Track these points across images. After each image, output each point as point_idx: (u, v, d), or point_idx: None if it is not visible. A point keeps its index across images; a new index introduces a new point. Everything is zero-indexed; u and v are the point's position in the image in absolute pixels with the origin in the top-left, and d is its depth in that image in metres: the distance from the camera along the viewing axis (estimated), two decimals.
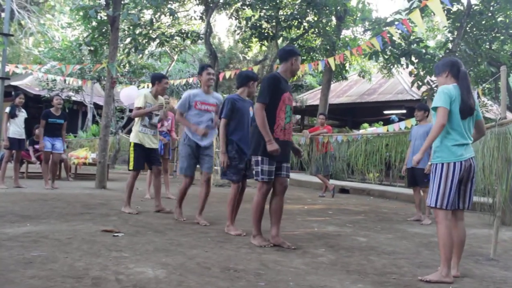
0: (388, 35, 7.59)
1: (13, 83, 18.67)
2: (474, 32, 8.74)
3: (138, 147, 5.73)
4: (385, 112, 17.42)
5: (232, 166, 4.62)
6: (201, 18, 14.62)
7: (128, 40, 13.34)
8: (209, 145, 5.25)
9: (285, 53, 4.19)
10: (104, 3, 9.20)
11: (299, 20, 12.72)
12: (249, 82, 4.77)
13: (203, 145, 5.16)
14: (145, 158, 5.82)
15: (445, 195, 3.25)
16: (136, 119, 5.81)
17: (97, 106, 18.67)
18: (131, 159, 5.73)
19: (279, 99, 4.03)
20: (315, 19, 13.17)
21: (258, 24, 12.87)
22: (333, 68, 10.84)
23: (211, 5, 13.24)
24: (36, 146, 10.53)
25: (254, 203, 4.09)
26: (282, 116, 4.06)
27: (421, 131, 6.45)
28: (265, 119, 3.95)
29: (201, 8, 14.42)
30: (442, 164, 3.27)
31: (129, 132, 19.50)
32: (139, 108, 5.69)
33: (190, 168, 5.16)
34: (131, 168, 5.74)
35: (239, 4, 13.54)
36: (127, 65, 16.08)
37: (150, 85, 6.02)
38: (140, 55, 15.60)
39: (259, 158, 4.02)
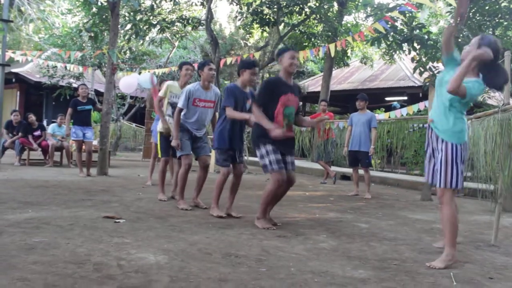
0: (392, 18, 7.54)
1: (13, 70, 18.60)
2: (477, 18, 8.63)
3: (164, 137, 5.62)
4: (387, 98, 17.34)
5: (222, 152, 4.70)
6: (202, 4, 14.47)
7: (129, 26, 13.21)
8: (204, 134, 5.34)
9: (276, 56, 4.43)
10: None
11: (301, 5, 12.58)
12: (239, 70, 4.74)
13: (199, 135, 5.23)
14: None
15: (461, 175, 3.27)
16: (164, 108, 5.61)
17: (98, 93, 18.63)
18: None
19: (276, 102, 4.10)
20: (317, 4, 13.03)
21: (259, 10, 12.73)
22: (333, 54, 10.78)
23: None
24: (35, 134, 10.52)
25: (266, 191, 4.22)
26: (279, 119, 4.11)
27: (363, 119, 7.39)
28: (261, 115, 4.07)
29: None
30: (461, 144, 3.27)
31: (130, 119, 19.53)
32: (162, 97, 5.56)
33: (187, 148, 5.10)
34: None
35: None
36: (127, 51, 15.98)
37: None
38: (141, 42, 15.49)
39: (263, 150, 4.13)
